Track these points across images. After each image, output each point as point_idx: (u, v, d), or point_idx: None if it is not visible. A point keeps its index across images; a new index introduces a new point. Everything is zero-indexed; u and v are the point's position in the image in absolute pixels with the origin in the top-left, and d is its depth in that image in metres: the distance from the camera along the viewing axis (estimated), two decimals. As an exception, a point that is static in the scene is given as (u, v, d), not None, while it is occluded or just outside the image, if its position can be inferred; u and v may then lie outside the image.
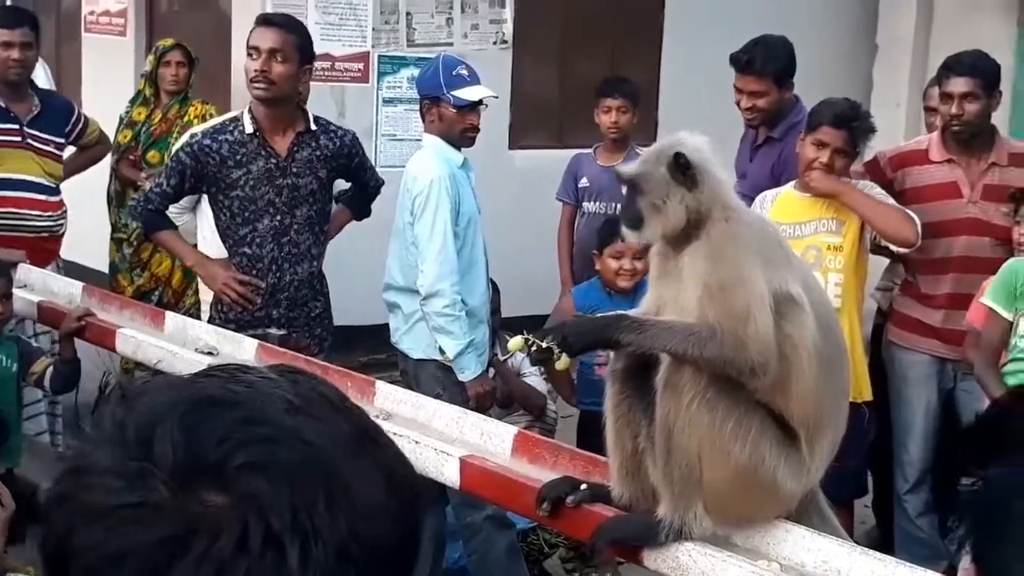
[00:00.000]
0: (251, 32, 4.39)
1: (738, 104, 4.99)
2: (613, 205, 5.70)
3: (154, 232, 4.54)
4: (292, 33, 4.35)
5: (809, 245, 4.40)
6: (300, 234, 4.41)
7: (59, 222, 5.52)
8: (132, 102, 6.64)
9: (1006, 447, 1.05)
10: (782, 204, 4.52)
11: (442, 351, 4.33)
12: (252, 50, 4.31)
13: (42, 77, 6.25)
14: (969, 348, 4.43)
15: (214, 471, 0.82)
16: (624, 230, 2.79)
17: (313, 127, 4.44)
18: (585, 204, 5.82)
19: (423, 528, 0.93)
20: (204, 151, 4.33)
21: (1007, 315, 4.15)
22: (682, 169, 2.62)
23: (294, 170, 4.37)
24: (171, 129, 6.46)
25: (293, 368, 0.94)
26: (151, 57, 6.60)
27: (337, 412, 0.90)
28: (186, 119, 6.46)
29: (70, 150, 5.85)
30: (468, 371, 4.33)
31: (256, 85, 4.27)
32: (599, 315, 2.86)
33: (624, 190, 2.79)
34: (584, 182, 5.82)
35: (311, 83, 5.14)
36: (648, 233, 2.68)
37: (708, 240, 2.58)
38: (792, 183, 4.57)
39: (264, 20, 4.43)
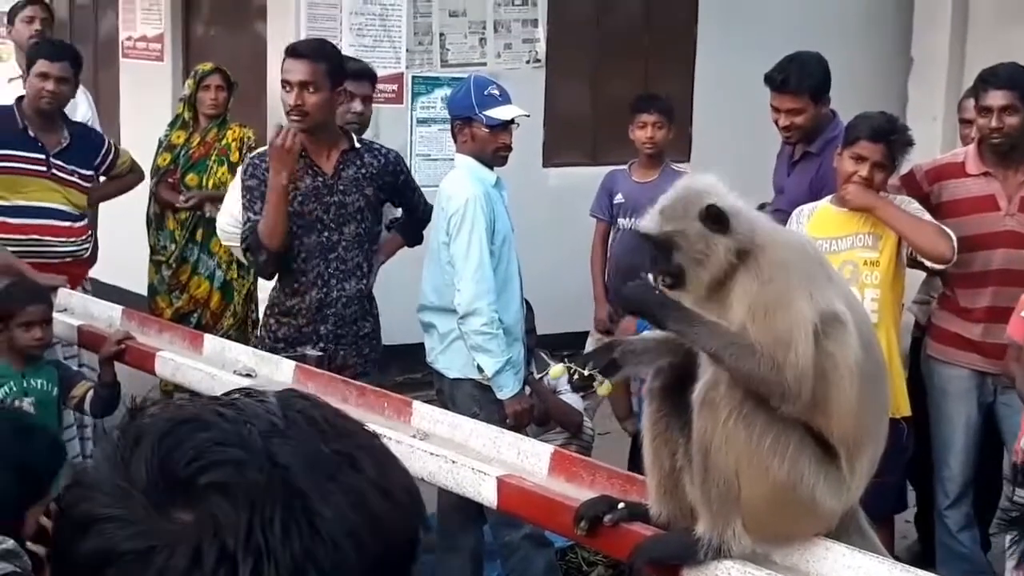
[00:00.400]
0: (283, 63, 4.44)
1: (776, 123, 4.98)
2: None
3: (270, 245, 4.35)
4: (321, 62, 4.37)
5: (845, 260, 4.38)
6: (348, 251, 4.43)
7: (83, 247, 5.58)
8: (171, 126, 6.73)
9: None
10: (819, 219, 4.51)
11: (480, 370, 4.34)
12: (284, 83, 4.37)
13: (84, 105, 6.29)
14: (1010, 362, 4.38)
15: (184, 489, 0.86)
16: (667, 291, 2.69)
17: (357, 145, 4.50)
18: (620, 220, 5.82)
19: (405, 554, 0.94)
20: (255, 168, 4.39)
21: None
22: (715, 219, 2.60)
23: (341, 188, 4.41)
24: (209, 152, 6.55)
25: (297, 393, 0.97)
26: (190, 81, 6.67)
27: (321, 434, 0.92)
28: (224, 142, 6.55)
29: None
30: (506, 389, 4.34)
31: (292, 118, 4.34)
32: (641, 337, 2.84)
33: (653, 250, 2.68)
34: (619, 198, 5.82)
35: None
36: (693, 287, 2.62)
37: (757, 265, 2.56)
38: (829, 197, 4.56)
39: (292, 52, 4.45)
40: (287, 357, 4.07)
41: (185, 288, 6.54)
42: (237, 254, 5.09)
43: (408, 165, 4.83)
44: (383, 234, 4.78)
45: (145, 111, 8.49)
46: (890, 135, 4.37)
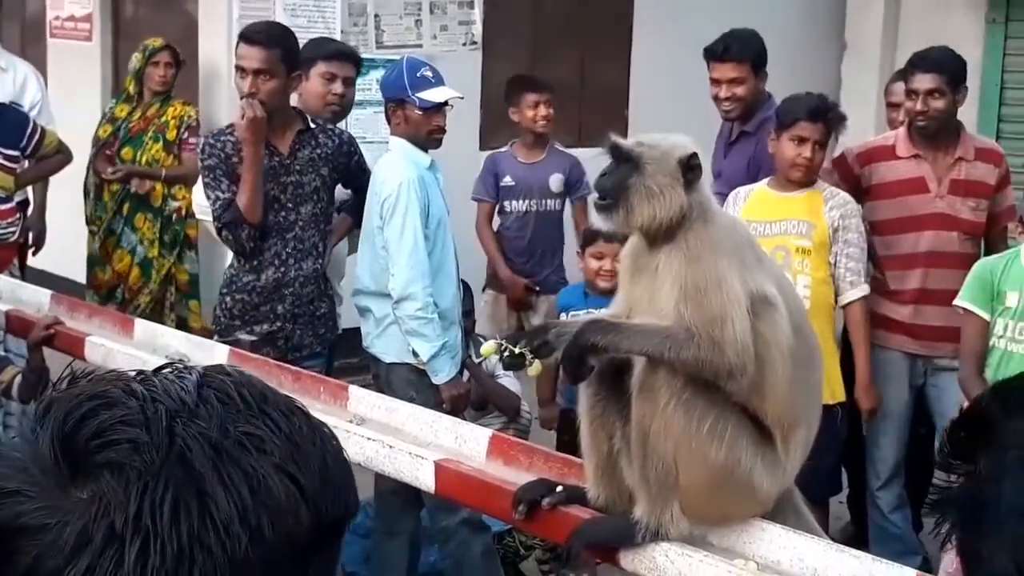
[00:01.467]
0: (236, 47, 4.41)
1: (715, 98, 4.98)
2: (540, 202, 5.77)
3: (258, 221, 4.37)
4: (275, 47, 4.37)
5: (778, 245, 4.40)
6: (305, 231, 4.45)
7: (9, 230, 5.48)
8: (117, 99, 6.86)
9: (991, 442, 1.06)
10: (755, 201, 4.53)
11: (415, 354, 4.32)
12: (239, 69, 4.36)
13: (34, 87, 6.25)
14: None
15: (82, 467, 0.87)
16: (595, 213, 2.70)
17: (312, 126, 4.50)
18: (510, 203, 5.87)
19: (316, 541, 0.92)
20: (214, 147, 4.39)
21: (985, 315, 4.06)
22: (689, 169, 2.61)
23: (297, 168, 4.43)
24: (147, 128, 6.60)
25: (224, 369, 0.97)
26: (138, 55, 6.73)
27: (235, 414, 0.91)
28: (163, 119, 6.58)
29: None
30: (442, 373, 4.32)
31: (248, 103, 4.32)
32: (572, 319, 2.84)
33: (612, 163, 2.67)
34: (508, 180, 5.87)
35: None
36: (632, 217, 2.60)
37: (686, 242, 2.57)
38: (766, 180, 4.58)
39: (246, 38, 4.42)
40: (222, 342, 4.04)
41: (110, 261, 6.64)
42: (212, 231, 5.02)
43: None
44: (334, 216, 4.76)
45: (73, 91, 8.32)
46: (827, 113, 4.43)
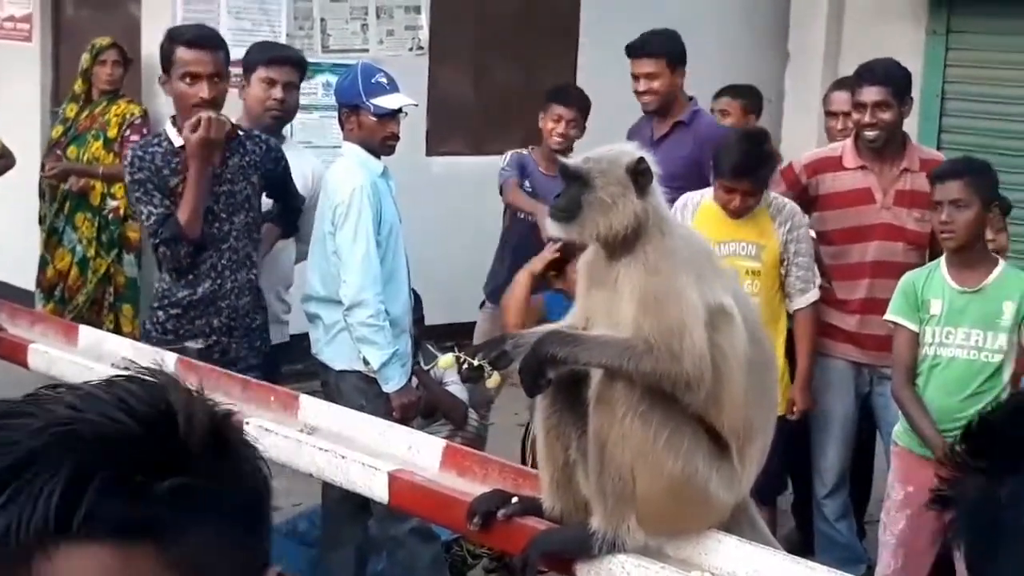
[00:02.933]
0: (179, 52, 4.23)
1: (636, 92, 5.40)
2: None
3: (197, 237, 4.23)
4: (221, 50, 4.30)
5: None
6: (239, 241, 4.31)
7: None
8: (67, 99, 6.88)
9: (1020, 468, 1.05)
10: (703, 217, 4.55)
11: (366, 362, 4.28)
12: (190, 76, 4.20)
13: None
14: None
15: None
16: (551, 223, 2.71)
17: (239, 133, 4.39)
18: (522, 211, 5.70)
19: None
20: (142, 160, 4.21)
21: (913, 327, 4.14)
22: (638, 175, 2.61)
23: (228, 176, 4.29)
24: (92, 126, 6.57)
25: (132, 377, 0.98)
26: (86, 55, 6.72)
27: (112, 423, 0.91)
28: (105, 117, 6.56)
29: None
30: (393, 382, 4.29)
31: (201, 111, 4.15)
32: (532, 331, 2.82)
33: (564, 184, 2.68)
34: (527, 185, 5.66)
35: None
36: (587, 229, 2.61)
37: (645, 254, 2.57)
38: (711, 194, 4.60)
39: (196, 43, 4.24)
40: (169, 350, 3.97)
41: (53, 259, 6.66)
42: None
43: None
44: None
45: (13, 93, 8.20)
46: (755, 171, 4.45)
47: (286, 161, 4.56)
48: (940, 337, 4.09)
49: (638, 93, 5.39)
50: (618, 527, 2.56)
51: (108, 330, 5.68)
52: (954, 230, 4.01)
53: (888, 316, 4.23)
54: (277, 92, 4.74)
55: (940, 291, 4.09)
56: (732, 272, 2.87)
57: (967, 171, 4.11)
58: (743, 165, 4.44)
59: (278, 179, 4.53)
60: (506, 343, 2.75)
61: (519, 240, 5.55)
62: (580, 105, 5.72)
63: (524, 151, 5.82)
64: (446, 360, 2.78)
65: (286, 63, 4.83)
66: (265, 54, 4.83)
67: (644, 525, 2.57)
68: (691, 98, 5.48)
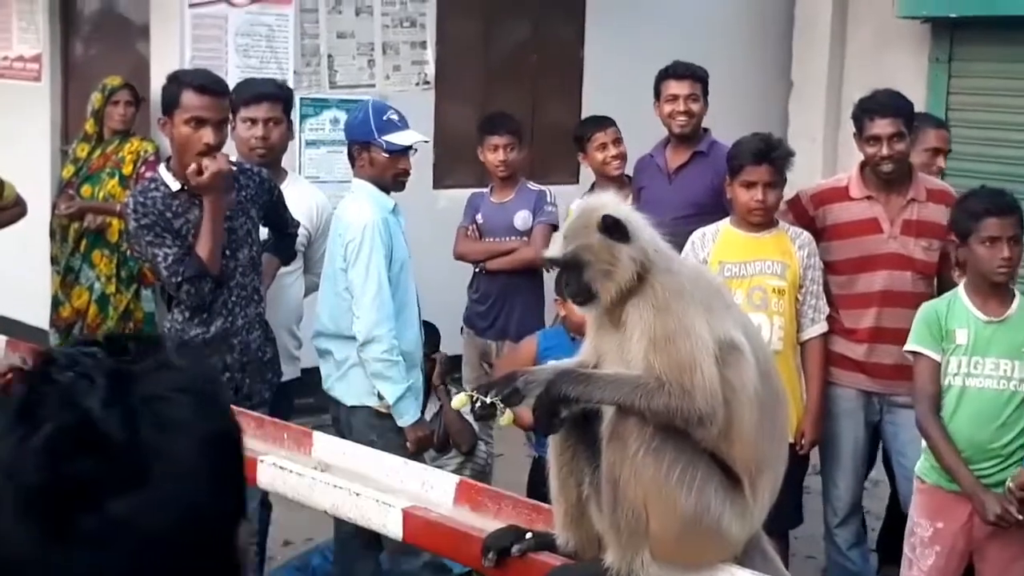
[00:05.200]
0: (186, 96, 4.14)
1: (669, 115, 5.50)
2: (504, 239, 5.83)
3: (213, 271, 4.21)
4: (228, 96, 4.30)
5: (754, 286, 4.50)
6: (245, 276, 4.30)
7: None
8: (77, 140, 6.92)
9: None
10: (725, 242, 4.61)
11: (380, 397, 4.31)
12: (196, 120, 4.14)
13: None
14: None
15: None
16: (579, 309, 2.80)
17: (233, 168, 4.39)
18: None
19: None
20: (145, 205, 4.17)
21: (936, 356, 4.10)
22: (612, 228, 2.63)
23: (228, 213, 4.27)
24: (105, 165, 6.64)
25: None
26: (98, 95, 6.80)
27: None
28: (120, 155, 6.64)
29: None
30: (407, 416, 4.31)
31: (204, 158, 4.13)
32: (543, 368, 2.85)
33: (562, 272, 2.73)
34: (479, 218, 5.89)
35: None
36: (605, 300, 2.65)
37: (653, 291, 2.60)
38: (729, 220, 4.66)
39: (204, 88, 4.17)
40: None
41: (69, 298, 6.69)
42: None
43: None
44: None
45: (22, 133, 8.27)
46: (771, 153, 4.52)
47: (278, 189, 4.55)
48: (968, 367, 4.04)
49: (673, 114, 5.48)
50: (632, 562, 2.58)
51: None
52: (1012, 265, 4.04)
53: (909, 346, 4.17)
54: (258, 131, 4.77)
55: (965, 320, 4.06)
56: (743, 315, 2.88)
57: (1018, 207, 4.14)
58: (761, 149, 4.54)
59: (272, 208, 4.53)
60: (517, 379, 2.77)
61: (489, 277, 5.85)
62: (510, 128, 5.88)
63: (482, 190, 6.03)
64: (459, 399, 2.80)
65: (263, 100, 4.84)
66: (242, 94, 4.83)
67: (658, 559, 2.59)
68: (706, 129, 5.60)
